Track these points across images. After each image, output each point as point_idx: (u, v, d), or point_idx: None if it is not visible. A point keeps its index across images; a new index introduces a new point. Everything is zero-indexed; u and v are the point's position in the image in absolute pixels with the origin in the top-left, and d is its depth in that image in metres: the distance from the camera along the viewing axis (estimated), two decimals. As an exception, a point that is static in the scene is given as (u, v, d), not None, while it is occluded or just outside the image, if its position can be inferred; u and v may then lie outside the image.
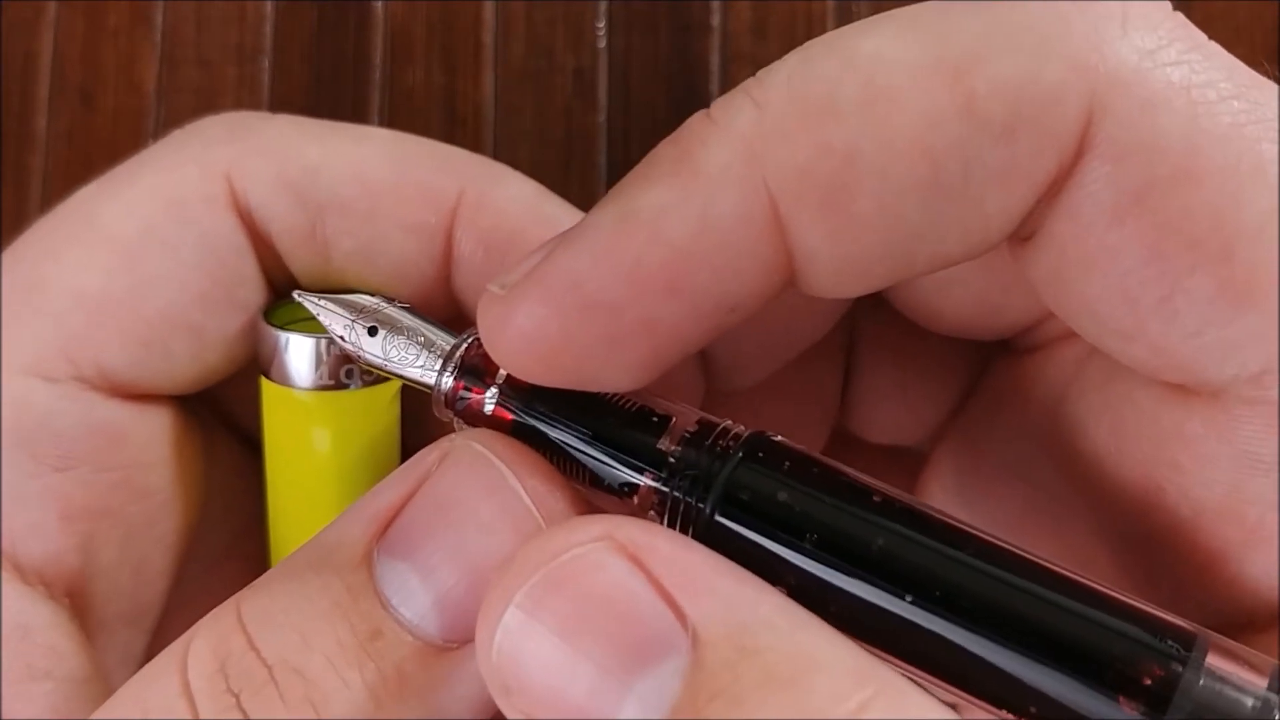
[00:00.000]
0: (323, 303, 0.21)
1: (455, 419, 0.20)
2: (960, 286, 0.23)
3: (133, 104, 0.38)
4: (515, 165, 0.38)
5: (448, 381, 0.20)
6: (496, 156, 0.38)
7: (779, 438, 0.19)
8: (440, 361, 0.20)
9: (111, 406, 0.23)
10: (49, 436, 0.22)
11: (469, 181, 0.24)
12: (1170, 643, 0.16)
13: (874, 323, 0.25)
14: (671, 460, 0.19)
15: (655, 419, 0.19)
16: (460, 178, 0.24)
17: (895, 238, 0.18)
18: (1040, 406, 0.23)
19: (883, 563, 0.17)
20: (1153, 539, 0.20)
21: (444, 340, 0.21)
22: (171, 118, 0.38)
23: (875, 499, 0.18)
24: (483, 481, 0.19)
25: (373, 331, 0.21)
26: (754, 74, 0.38)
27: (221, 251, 0.23)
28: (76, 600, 0.22)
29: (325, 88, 0.38)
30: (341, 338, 0.21)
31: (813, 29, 0.38)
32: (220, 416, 0.26)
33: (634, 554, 0.17)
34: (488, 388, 0.20)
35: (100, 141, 0.37)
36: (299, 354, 0.23)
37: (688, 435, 0.19)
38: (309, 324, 0.24)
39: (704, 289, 0.18)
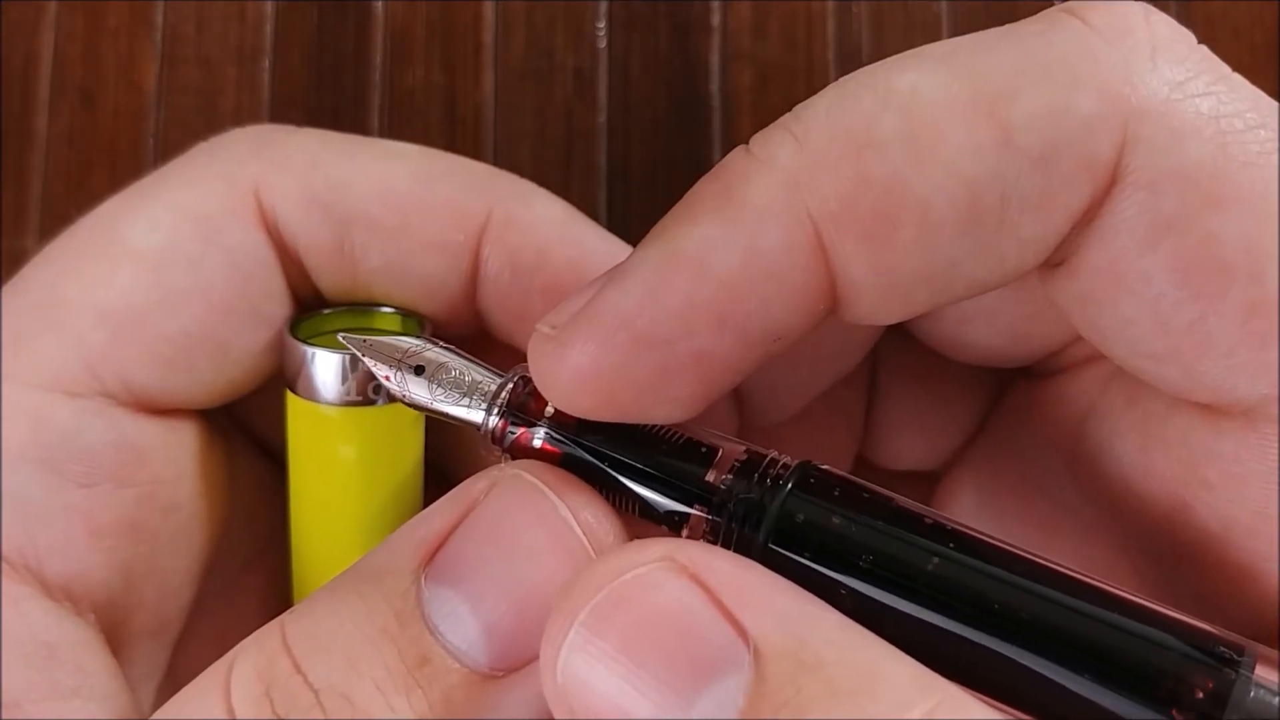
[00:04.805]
0: (368, 343, 0.22)
1: (503, 455, 0.21)
2: (986, 316, 0.23)
3: (133, 104, 0.37)
4: (515, 165, 0.38)
5: (495, 420, 0.21)
6: (496, 156, 0.38)
7: (826, 466, 0.19)
8: (487, 400, 0.21)
9: (136, 422, 0.23)
10: (74, 453, 0.22)
11: (497, 200, 0.24)
12: (1223, 653, 0.17)
13: (895, 353, 0.26)
14: (722, 490, 0.19)
15: (704, 450, 0.20)
16: (489, 196, 0.24)
17: (935, 265, 0.18)
18: (1062, 428, 0.23)
19: (937, 584, 0.18)
20: (1178, 554, 0.21)
21: (489, 379, 0.21)
22: (171, 118, 0.38)
23: (926, 522, 0.18)
24: (532, 511, 0.19)
25: (418, 371, 0.21)
26: (754, 74, 0.38)
27: (247, 267, 0.23)
28: (102, 615, 0.22)
29: (325, 88, 0.38)
30: (387, 378, 0.21)
31: (813, 29, 0.38)
32: (243, 430, 0.26)
33: (694, 573, 0.17)
34: (535, 425, 0.20)
35: (100, 141, 0.37)
36: (325, 369, 0.23)
37: (737, 465, 0.19)
38: (335, 338, 0.24)
39: (752, 320, 0.18)
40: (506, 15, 0.38)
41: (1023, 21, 0.19)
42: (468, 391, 0.21)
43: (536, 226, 0.24)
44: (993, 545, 0.18)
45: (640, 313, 0.18)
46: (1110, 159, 0.18)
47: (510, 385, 0.21)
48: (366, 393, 0.23)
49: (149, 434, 0.23)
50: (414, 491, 0.24)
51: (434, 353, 0.21)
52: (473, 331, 0.25)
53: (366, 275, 0.24)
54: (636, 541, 0.18)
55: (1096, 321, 0.20)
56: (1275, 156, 0.18)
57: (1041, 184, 0.18)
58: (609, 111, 0.38)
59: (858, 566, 0.18)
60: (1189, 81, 0.18)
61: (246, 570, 0.26)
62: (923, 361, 0.25)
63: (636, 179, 0.38)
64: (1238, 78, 0.19)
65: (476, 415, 0.21)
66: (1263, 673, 0.17)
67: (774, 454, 0.20)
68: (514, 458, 0.20)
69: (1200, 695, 0.16)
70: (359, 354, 0.21)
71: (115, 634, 0.22)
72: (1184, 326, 0.18)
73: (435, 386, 0.21)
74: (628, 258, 0.19)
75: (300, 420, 0.23)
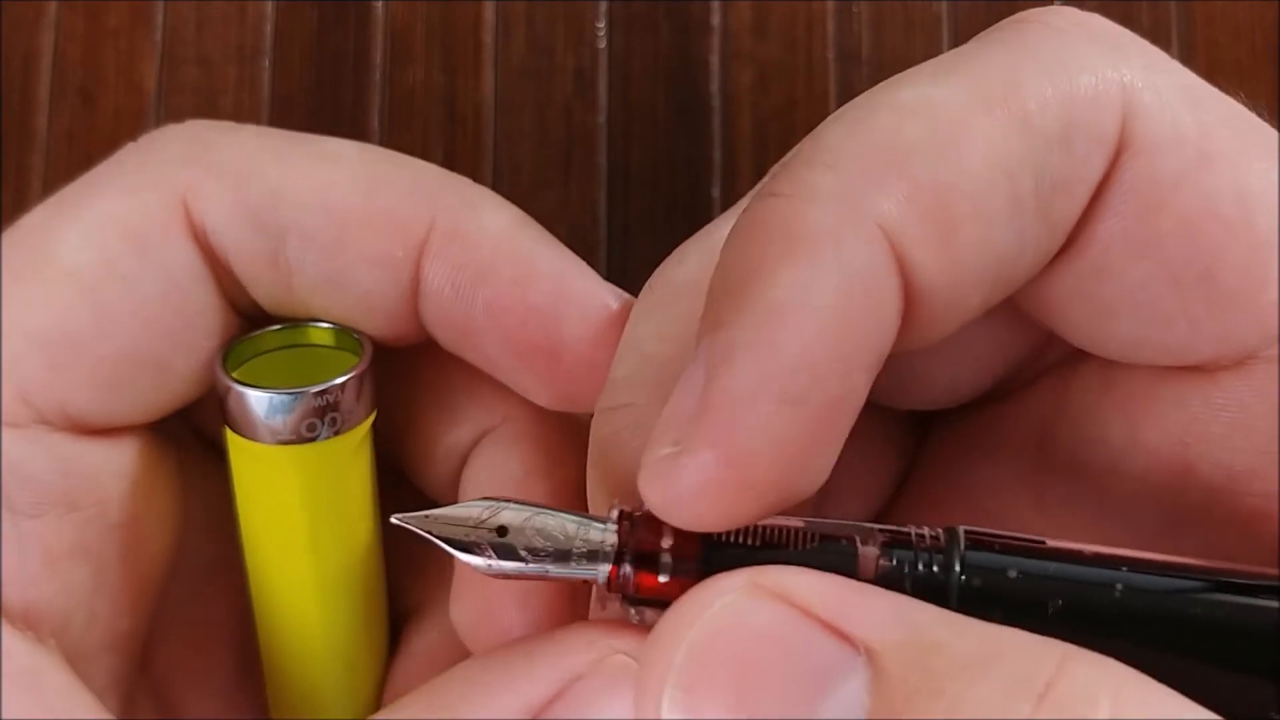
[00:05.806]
0: (432, 520, 0.19)
1: (623, 605, 0.19)
2: (949, 353, 0.22)
3: (133, 104, 0.38)
4: (515, 165, 0.38)
5: (605, 570, 0.19)
6: (496, 156, 0.38)
7: (966, 526, 0.19)
8: (590, 551, 0.19)
9: (79, 446, 0.22)
10: (20, 483, 0.21)
11: (441, 211, 0.23)
12: None
13: None
14: (882, 580, 0.18)
15: (841, 542, 0.18)
16: (432, 206, 0.23)
17: (990, 262, 0.19)
18: (1015, 449, 0.23)
19: (1126, 613, 0.18)
20: (1176, 521, 0.21)
21: (584, 525, 0.19)
22: (171, 118, 0.37)
23: (1086, 555, 0.18)
24: (630, 709, 0.18)
25: (501, 533, 0.19)
26: (754, 74, 0.38)
27: (182, 282, 0.22)
28: (60, 639, 0.22)
29: (325, 88, 0.38)
30: (467, 553, 0.19)
31: (813, 29, 0.38)
32: (198, 433, 0.25)
33: (781, 593, 0.17)
34: (657, 559, 0.19)
35: (100, 141, 0.37)
36: (258, 408, 0.22)
37: (886, 549, 0.18)
38: (270, 357, 0.23)
39: (864, 348, 0.18)
40: (506, 15, 0.38)
41: (984, 35, 0.20)
42: (564, 546, 0.19)
43: (480, 240, 0.23)
44: (1154, 560, 0.18)
45: (766, 381, 0.17)
46: (1117, 130, 0.19)
47: (613, 525, 0.19)
48: (301, 431, 0.22)
49: (92, 456, 0.22)
50: (365, 519, 0.24)
51: (509, 513, 0.19)
52: (420, 344, 0.24)
53: (303, 289, 0.23)
54: (714, 577, 0.17)
55: (1102, 296, 0.20)
56: (1234, 118, 0.20)
57: (1065, 163, 0.19)
58: (609, 111, 0.38)
59: (1047, 617, 0.18)
60: (1150, 59, 0.20)
61: (214, 571, 0.25)
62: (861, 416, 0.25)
63: (636, 179, 0.38)
64: (1174, 60, 0.20)
65: (587, 570, 0.19)
66: None
67: (911, 528, 0.19)
68: (635, 603, 0.19)
69: None
70: (425, 536, 0.19)
71: (71, 653, 0.22)
72: (1194, 281, 0.19)
73: (524, 550, 0.19)
74: (711, 340, 0.18)
75: (240, 457, 0.23)
